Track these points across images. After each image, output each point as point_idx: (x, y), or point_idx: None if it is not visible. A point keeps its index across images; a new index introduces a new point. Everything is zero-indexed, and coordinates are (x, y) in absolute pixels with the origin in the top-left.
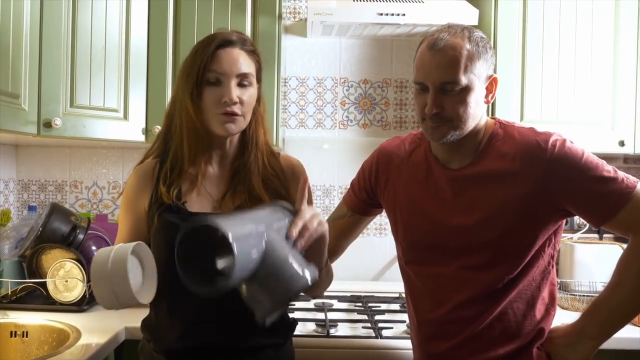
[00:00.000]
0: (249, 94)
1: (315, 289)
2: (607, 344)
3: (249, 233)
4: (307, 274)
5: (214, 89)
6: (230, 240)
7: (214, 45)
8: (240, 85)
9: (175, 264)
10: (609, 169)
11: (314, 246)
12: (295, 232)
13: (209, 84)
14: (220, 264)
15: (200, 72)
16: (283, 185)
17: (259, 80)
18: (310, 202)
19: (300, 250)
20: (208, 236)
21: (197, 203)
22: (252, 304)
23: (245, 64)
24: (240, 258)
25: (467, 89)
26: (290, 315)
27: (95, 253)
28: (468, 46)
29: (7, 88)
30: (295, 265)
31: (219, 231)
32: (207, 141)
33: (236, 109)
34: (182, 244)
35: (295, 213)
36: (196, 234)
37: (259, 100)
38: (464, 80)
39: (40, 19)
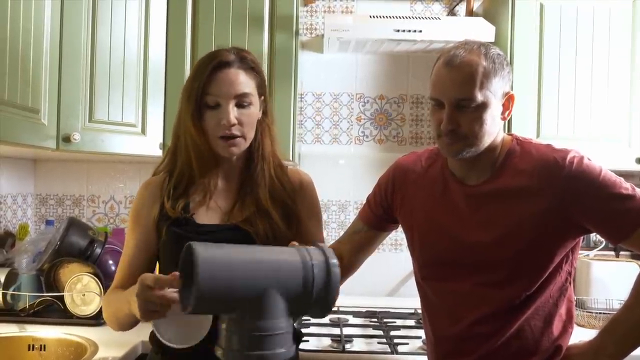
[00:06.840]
0: (249, 114)
1: None
2: None
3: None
4: None
5: (213, 112)
6: (196, 258)
7: (209, 68)
8: (240, 105)
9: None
10: (626, 187)
11: None
12: None
13: (208, 107)
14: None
15: (198, 95)
16: (290, 197)
17: (262, 94)
18: (318, 217)
19: None
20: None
21: (205, 216)
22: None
23: (243, 83)
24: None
25: (482, 106)
26: (306, 330)
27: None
28: (484, 63)
29: (27, 103)
30: None
31: (192, 252)
32: (214, 157)
33: (235, 130)
34: (181, 259)
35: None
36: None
37: (265, 112)
38: (479, 97)
39: (60, 35)
